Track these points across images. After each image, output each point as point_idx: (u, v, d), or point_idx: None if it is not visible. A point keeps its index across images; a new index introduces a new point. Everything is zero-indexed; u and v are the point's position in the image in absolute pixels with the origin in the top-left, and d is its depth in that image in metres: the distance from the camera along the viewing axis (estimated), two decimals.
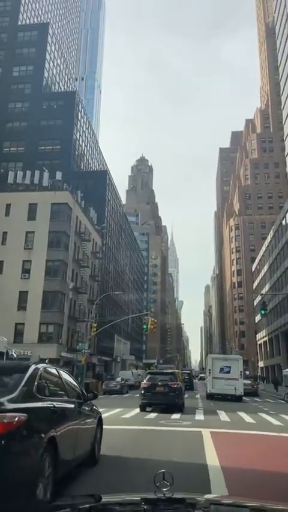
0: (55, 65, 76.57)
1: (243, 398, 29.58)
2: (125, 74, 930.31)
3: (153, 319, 39.56)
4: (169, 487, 2.15)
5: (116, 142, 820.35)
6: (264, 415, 18.66)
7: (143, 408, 18.51)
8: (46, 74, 71.26)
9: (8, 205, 46.75)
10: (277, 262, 63.85)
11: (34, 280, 43.46)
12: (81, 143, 73.01)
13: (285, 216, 58.49)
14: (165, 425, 13.76)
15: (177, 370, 28.50)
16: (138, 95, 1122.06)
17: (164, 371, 23.95)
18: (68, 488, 5.62)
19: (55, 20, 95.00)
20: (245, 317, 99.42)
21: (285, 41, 67.82)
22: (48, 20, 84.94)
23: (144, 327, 41.82)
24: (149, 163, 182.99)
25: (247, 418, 16.89)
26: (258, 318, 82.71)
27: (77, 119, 70.50)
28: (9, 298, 42.45)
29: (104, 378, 47.60)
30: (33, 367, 5.20)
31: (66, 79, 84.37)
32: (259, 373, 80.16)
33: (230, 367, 28.61)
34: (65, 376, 6.50)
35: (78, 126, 71.31)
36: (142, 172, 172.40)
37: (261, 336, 79.00)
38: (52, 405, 5.09)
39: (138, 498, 2.46)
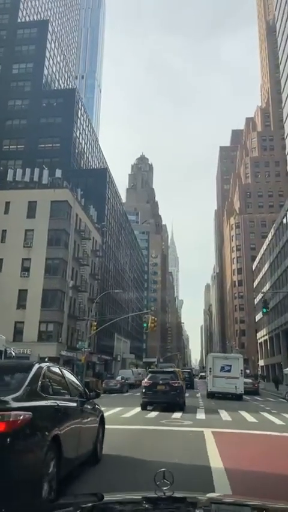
0: (55, 62, 76.26)
1: (244, 397, 29.57)
2: (125, 73, 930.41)
3: (153, 317, 39.34)
4: (169, 486, 2.15)
5: (116, 141, 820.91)
6: (266, 414, 18.46)
7: (144, 407, 18.50)
8: (46, 72, 70.97)
9: (8, 203, 46.45)
10: (278, 261, 63.63)
11: (34, 278, 43.21)
12: (81, 141, 72.73)
13: (285, 215, 58.22)
14: (166, 424, 13.55)
15: (178, 369, 28.33)
16: (138, 95, 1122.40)
17: (165, 370, 23.85)
18: (70, 486, 5.60)
19: (55, 18, 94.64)
20: (245, 316, 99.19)
21: (286, 39, 67.47)
22: (48, 18, 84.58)
23: (145, 325, 41.64)
24: (149, 162, 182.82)
25: (249, 418, 16.68)
26: (258, 316, 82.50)
27: (77, 116, 70.21)
28: (9, 297, 42.22)
29: (104, 377, 47.37)
30: (36, 366, 5.22)
31: (66, 77, 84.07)
32: (259, 372, 79.98)
33: (230, 365, 28.59)
34: (68, 375, 6.51)
35: (78, 124, 71.02)
36: (142, 170, 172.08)
37: (262, 335, 78.81)
38: (56, 404, 5.13)
39: (140, 497, 2.44)
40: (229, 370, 28.17)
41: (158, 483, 2.18)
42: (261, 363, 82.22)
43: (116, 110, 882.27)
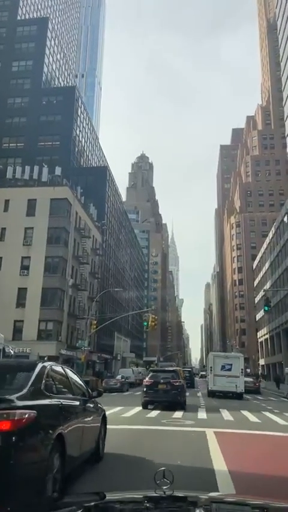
0: (54, 60, 75.88)
1: (246, 396, 29.55)
2: (125, 73, 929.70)
3: (153, 316, 39.09)
4: (169, 485, 2.15)
5: (116, 141, 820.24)
6: (268, 414, 18.19)
7: (145, 406, 18.59)
8: (46, 69, 70.58)
9: (7, 201, 46.16)
10: (278, 260, 63.37)
11: (33, 276, 42.93)
12: (81, 139, 72.38)
13: (286, 213, 57.94)
14: (167, 424, 13.29)
15: (178, 368, 28.19)
16: (138, 95, 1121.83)
17: (166, 369, 23.86)
18: (74, 484, 5.63)
19: (55, 15, 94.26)
20: (245, 315, 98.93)
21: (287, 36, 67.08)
22: (48, 15, 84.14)
23: (145, 323, 41.38)
24: (150, 160, 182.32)
25: (251, 417, 16.41)
26: (259, 315, 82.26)
27: (77, 114, 69.84)
28: (8, 295, 41.94)
29: (104, 376, 47.12)
30: (40, 365, 5.26)
31: (66, 74, 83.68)
32: (260, 371, 79.72)
33: (231, 364, 28.65)
34: (71, 374, 6.57)
35: (78, 122, 70.67)
36: (142, 169, 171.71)
37: (262, 334, 78.55)
38: (59, 402, 5.18)
39: (141, 496, 2.46)
40: (230, 369, 28.24)
41: (158, 482, 2.17)
42: (261, 362, 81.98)
43: (116, 109, 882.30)
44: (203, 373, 77.11)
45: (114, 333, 68.21)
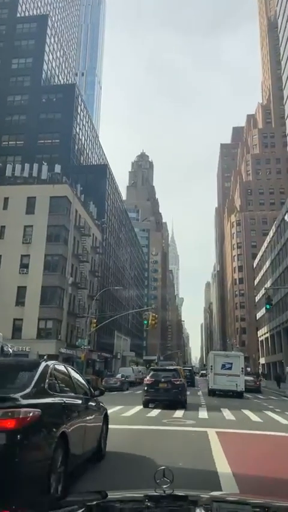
0: (54, 57, 75.54)
1: (246, 395, 29.58)
2: (125, 72, 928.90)
3: (153, 314, 38.87)
4: (169, 484, 2.15)
5: (116, 141, 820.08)
6: (270, 413, 17.99)
7: (146, 404, 18.61)
8: (45, 67, 70.25)
9: (6, 199, 45.91)
10: (279, 258, 63.18)
11: (33, 275, 42.68)
12: (81, 137, 72.06)
13: (287, 212, 57.71)
14: (168, 424, 13.06)
15: (179, 367, 28.05)
16: (138, 94, 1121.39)
17: (167, 368, 23.83)
18: (77, 482, 5.64)
19: (54, 13, 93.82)
20: (246, 314, 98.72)
21: None
22: (48, 13, 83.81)
23: (145, 322, 41.14)
24: (150, 159, 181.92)
25: (253, 417, 16.19)
26: (259, 314, 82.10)
27: (77, 112, 69.52)
28: (8, 294, 41.72)
29: (104, 375, 46.90)
30: (43, 364, 5.30)
31: (66, 72, 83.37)
32: (260, 370, 79.55)
33: (231, 363, 28.68)
34: (73, 373, 6.62)
35: (78, 120, 70.35)
36: (143, 168, 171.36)
37: (263, 333, 78.38)
38: (63, 401, 5.22)
39: (142, 495, 2.44)
40: (230, 368, 28.25)
41: (158, 481, 2.17)
42: (262, 361, 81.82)
43: (116, 109, 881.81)
44: (204, 372, 77.00)
45: (114, 332, 68.00)
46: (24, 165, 51.29)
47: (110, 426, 8.26)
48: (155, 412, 16.42)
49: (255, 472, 7.07)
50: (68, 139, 64.43)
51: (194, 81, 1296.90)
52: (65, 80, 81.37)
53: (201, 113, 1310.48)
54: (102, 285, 59.40)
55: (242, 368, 28.85)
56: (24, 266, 43.52)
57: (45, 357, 28.69)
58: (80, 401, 6.10)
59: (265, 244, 76.32)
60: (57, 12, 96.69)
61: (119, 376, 38.64)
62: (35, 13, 79.38)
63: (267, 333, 73.30)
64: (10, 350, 23.18)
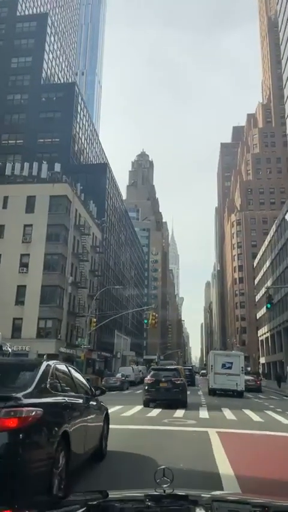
0: (54, 56, 75.40)
1: (247, 394, 29.58)
2: (125, 72, 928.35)
3: (154, 313, 38.75)
4: (169, 484, 2.15)
5: (116, 140, 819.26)
6: (271, 413, 17.86)
7: (146, 404, 18.53)
8: (45, 66, 70.13)
9: (6, 198, 45.76)
10: (279, 258, 63.02)
11: (32, 274, 42.54)
12: (80, 136, 71.93)
13: (287, 211, 57.56)
14: (168, 424, 12.93)
15: (179, 366, 27.95)
16: (138, 93, 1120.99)
17: (168, 367, 23.66)
18: (77, 483, 5.61)
19: (54, 12, 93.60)
20: (246, 313, 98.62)
21: None
22: (48, 11, 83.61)
23: (146, 321, 41.03)
24: (150, 159, 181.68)
25: (254, 417, 16.06)
26: (259, 314, 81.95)
27: (77, 111, 69.40)
28: (7, 293, 41.57)
29: (104, 374, 46.75)
30: (45, 363, 5.32)
31: (65, 71, 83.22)
32: (260, 369, 79.44)
33: (231, 363, 28.67)
34: (74, 372, 6.64)
35: (78, 119, 70.23)
36: (143, 167, 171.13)
37: (263, 332, 78.24)
38: (64, 400, 5.25)
39: (142, 495, 2.43)
40: (230, 367, 28.23)
41: (158, 481, 2.17)
42: (262, 360, 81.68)
43: (116, 108, 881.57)
44: (204, 371, 76.89)
45: (114, 331, 67.87)
46: (24, 164, 51.13)
47: (110, 426, 8.15)
48: (155, 412, 16.30)
49: (257, 473, 6.94)
50: (68, 138, 64.32)
51: (195, 81, 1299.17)
52: (64, 79, 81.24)
53: (201, 112, 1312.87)
54: (102, 285, 59.27)
55: (242, 367, 28.84)
56: (24, 265, 43.38)
57: (44, 356, 28.59)
58: (81, 401, 6.11)
59: (265, 243, 76.18)
60: (57, 11, 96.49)
61: (119, 375, 38.48)
62: (34, 12, 79.26)
63: (267, 332, 73.17)
64: (9, 349, 23.06)
